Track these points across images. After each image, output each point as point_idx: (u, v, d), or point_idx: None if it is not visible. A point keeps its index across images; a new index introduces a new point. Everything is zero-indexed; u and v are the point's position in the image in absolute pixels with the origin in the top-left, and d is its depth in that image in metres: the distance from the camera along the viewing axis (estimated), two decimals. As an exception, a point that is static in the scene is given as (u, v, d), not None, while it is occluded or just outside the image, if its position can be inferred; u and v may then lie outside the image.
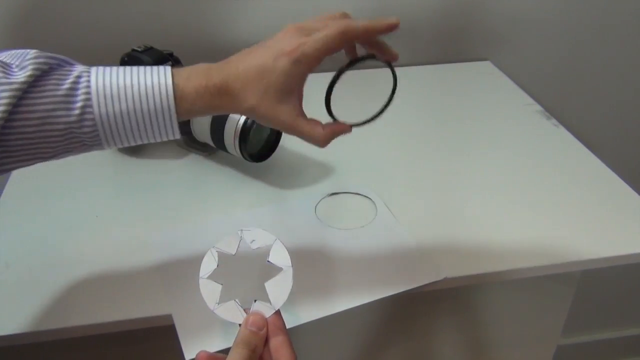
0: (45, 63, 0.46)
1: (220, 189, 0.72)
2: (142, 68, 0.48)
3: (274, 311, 0.43)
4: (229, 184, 0.73)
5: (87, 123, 0.46)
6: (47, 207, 0.69)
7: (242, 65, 0.50)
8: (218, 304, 0.44)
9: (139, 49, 0.76)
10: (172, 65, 0.77)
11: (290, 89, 0.50)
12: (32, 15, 0.90)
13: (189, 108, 0.49)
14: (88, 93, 0.46)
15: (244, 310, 0.44)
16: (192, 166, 0.76)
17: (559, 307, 0.75)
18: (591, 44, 1.08)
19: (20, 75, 0.45)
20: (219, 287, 0.44)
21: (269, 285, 0.44)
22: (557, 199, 0.70)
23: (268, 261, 0.45)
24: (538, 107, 0.90)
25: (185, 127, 0.74)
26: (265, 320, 0.43)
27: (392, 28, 0.54)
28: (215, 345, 0.51)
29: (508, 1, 1.01)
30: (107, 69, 0.47)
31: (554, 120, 0.86)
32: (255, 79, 0.49)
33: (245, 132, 0.68)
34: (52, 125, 0.46)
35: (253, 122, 0.68)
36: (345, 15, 0.53)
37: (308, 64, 0.49)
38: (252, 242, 0.46)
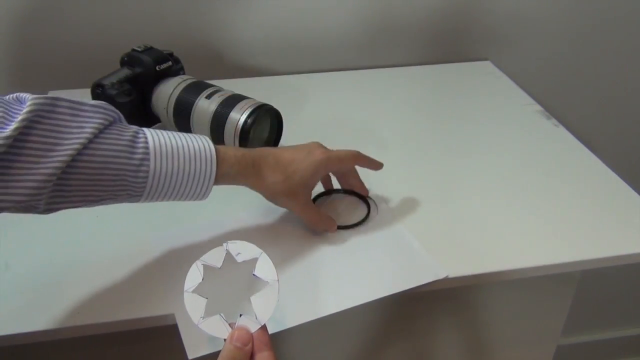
0: (111, 116, 0.51)
1: (220, 188, 0.72)
2: (184, 135, 0.54)
3: (260, 326, 0.43)
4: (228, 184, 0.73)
5: (141, 174, 0.50)
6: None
7: (275, 152, 0.60)
8: (203, 318, 0.43)
9: (139, 49, 0.76)
10: (172, 66, 0.77)
11: (312, 179, 0.61)
12: (32, 15, 0.90)
13: (226, 171, 0.55)
14: (147, 148, 0.50)
15: (229, 324, 0.43)
16: (192, 166, 0.76)
17: (559, 307, 0.75)
18: (591, 44, 1.08)
19: (93, 120, 0.49)
20: (204, 301, 0.43)
21: (255, 300, 0.43)
22: (557, 198, 0.70)
23: (254, 275, 0.44)
24: (538, 107, 0.90)
25: (185, 126, 0.74)
26: (251, 335, 0.43)
27: (379, 167, 0.67)
28: (217, 344, 0.51)
29: (508, 1, 1.01)
30: (157, 130, 0.53)
31: (554, 120, 0.86)
32: (286, 164, 0.59)
33: (245, 132, 0.68)
34: (111, 170, 0.49)
35: (253, 122, 0.68)
36: None
37: (331, 165, 0.63)
38: (237, 254, 0.45)
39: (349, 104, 0.91)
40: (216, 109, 0.70)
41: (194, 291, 0.44)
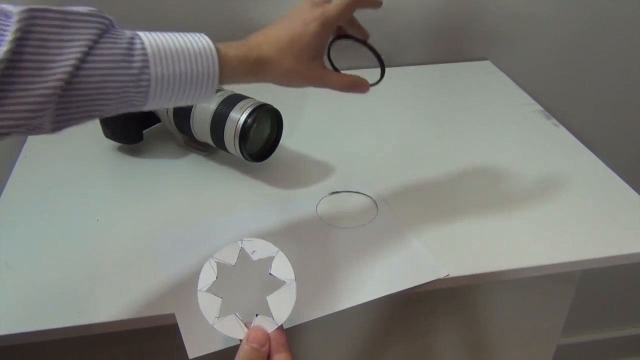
0: (103, 23, 0.47)
1: (220, 189, 0.72)
2: (182, 34, 0.51)
3: (277, 326, 0.42)
4: (229, 184, 0.73)
5: (143, 83, 0.47)
6: (47, 207, 0.69)
7: (272, 35, 0.57)
8: (217, 318, 0.42)
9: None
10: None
11: (319, 48, 0.58)
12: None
13: (229, 74, 0.52)
14: (145, 54, 0.47)
15: (245, 325, 0.42)
16: (192, 166, 0.76)
17: (559, 307, 0.75)
18: (591, 44, 1.08)
19: (85, 31, 0.45)
20: (219, 300, 0.42)
21: (272, 300, 0.42)
22: (557, 198, 0.70)
23: (270, 274, 0.43)
24: (538, 107, 0.90)
25: (185, 126, 0.74)
26: (268, 336, 0.41)
27: (379, 5, 0.64)
28: (218, 344, 0.51)
29: (508, 1, 1.01)
30: (153, 33, 0.49)
31: (554, 120, 0.86)
32: (288, 44, 0.56)
33: (245, 132, 0.68)
34: (111, 82, 0.46)
35: (253, 121, 0.68)
36: None
37: (332, 26, 0.59)
38: (253, 252, 0.44)
39: (348, 104, 0.91)
40: (216, 109, 0.70)
41: (207, 290, 0.43)
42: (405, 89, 0.97)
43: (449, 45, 1.04)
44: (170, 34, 0.50)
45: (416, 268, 0.59)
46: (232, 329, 0.42)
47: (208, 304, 0.42)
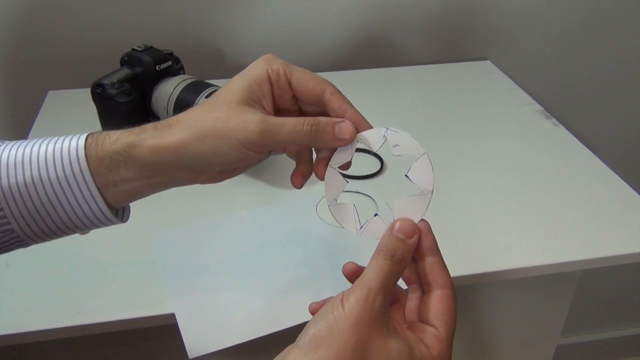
0: None
1: (221, 189, 0.72)
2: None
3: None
4: (229, 184, 0.73)
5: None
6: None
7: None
8: (361, 227, 0.39)
9: (139, 49, 0.76)
10: (172, 65, 0.77)
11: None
12: (32, 14, 0.90)
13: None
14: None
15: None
16: (192, 166, 0.76)
17: (559, 307, 0.75)
18: (591, 44, 1.08)
19: None
20: (351, 208, 0.40)
21: (399, 204, 0.38)
22: (557, 198, 0.70)
23: (406, 175, 0.39)
24: (538, 107, 0.90)
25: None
26: (416, 227, 0.35)
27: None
28: (218, 344, 0.51)
29: (508, 0, 1.01)
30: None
31: (554, 120, 0.86)
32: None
33: (245, 132, 0.68)
34: None
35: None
36: None
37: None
38: (395, 146, 0.39)
39: (349, 104, 0.91)
40: (216, 109, 0.70)
41: (338, 202, 0.39)
42: (405, 89, 0.97)
43: (449, 45, 1.04)
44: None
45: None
46: (379, 230, 0.38)
47: (343, 215, 0.39)
